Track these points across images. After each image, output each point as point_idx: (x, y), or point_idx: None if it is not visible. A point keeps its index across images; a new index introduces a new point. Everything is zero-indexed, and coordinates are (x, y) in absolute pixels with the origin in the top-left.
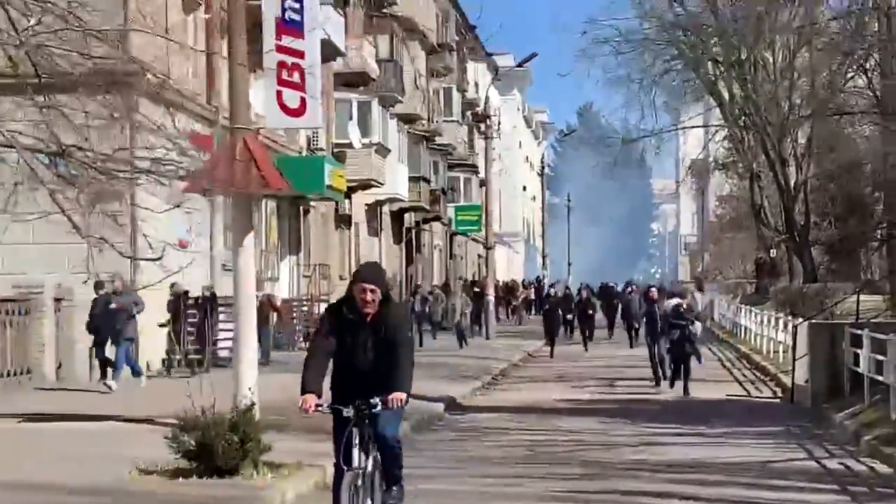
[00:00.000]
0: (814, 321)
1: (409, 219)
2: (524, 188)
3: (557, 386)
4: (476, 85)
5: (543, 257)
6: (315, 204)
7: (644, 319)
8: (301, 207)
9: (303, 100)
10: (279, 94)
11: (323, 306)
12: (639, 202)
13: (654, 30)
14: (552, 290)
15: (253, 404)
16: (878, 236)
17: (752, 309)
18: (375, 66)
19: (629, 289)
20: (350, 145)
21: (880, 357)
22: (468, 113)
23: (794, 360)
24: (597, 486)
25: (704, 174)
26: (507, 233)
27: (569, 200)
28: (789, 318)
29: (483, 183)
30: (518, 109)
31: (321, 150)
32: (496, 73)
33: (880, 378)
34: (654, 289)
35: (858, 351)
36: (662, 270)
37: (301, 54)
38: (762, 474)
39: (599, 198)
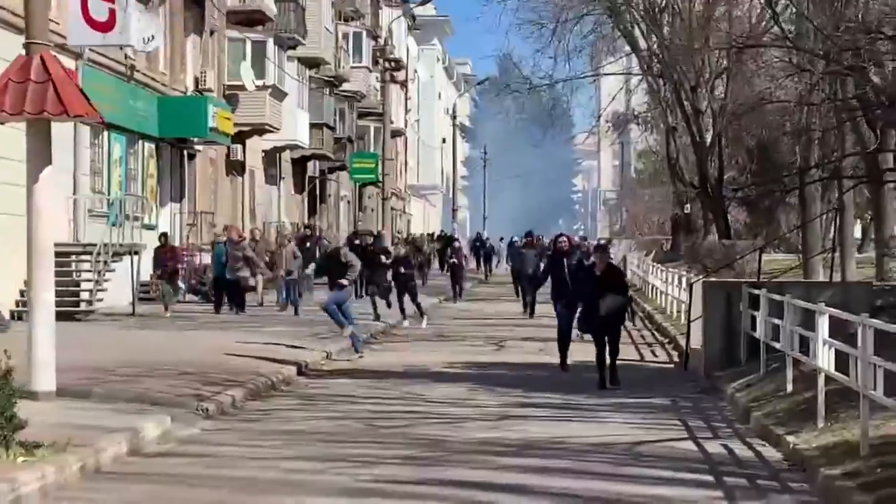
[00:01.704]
0: (708, 279)
1: (312, 168)
2: (444, 140)
3: (437, 346)
4: (390, 32)
5: (454, 211)
6: (201, 148)
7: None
8: (184, 151)
9: (112, 12)
10: (84, 4)
11: (206, 257)
12: (561, 157)
13: None
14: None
15: (9, 370)
16: (787, 186)
17: (658, 266)
18: (273, 5)
19: (519, 240)
20: (243, 87)
21: (777, 321)
22: (381, 60)
23: (688, 322)
24: (419, 473)
25: (623, 127)
26: (424, 185)
27: (485, 153)
28: (691, 275)
29: (396, 133)
30: (438, 60)
31: (209, 91)
32: (413, 21)
33: (777, 345)
34: (564, 238)
35: (756, 313)
36: (586, 226)
37: None
38: (626, 459)
39: (520, 152)
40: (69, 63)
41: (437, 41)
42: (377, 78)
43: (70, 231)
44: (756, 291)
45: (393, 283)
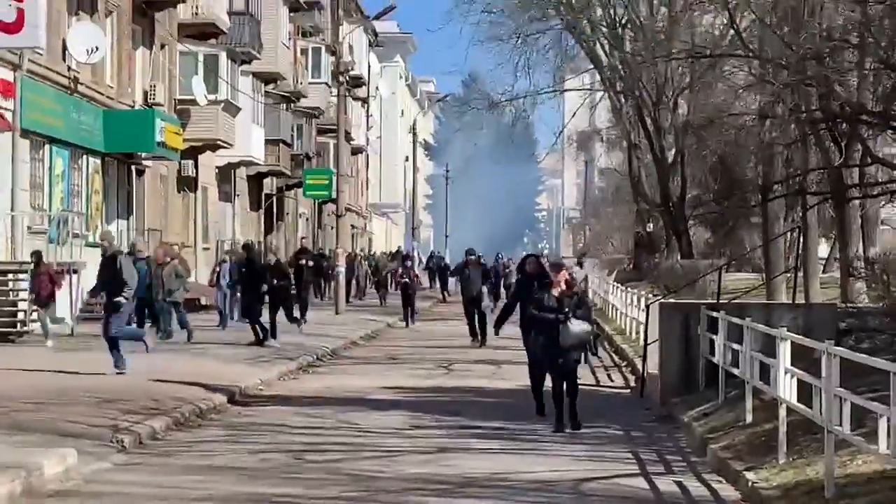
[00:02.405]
0: (666, 301)
1: (269, 184)
2: (406, 158)
3: (386, 369)
4: (351, 48)
5: (413, 229)
6: (150, 164)
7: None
8: (132, 167)
9: (20, 12)
10: None
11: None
12: (525, 175)
13: None
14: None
15: None
16: (749, 204)
17: (618, 286)
18: (226, 18)
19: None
20: (194, 102)
21: (736, 346)
22: (341, 76)
23: (644, 345)
24: None
25: (587, 145)
26: (386, 204)
27: (447, 171)
28: (649, 296)
29: (357, 150)
30: (400, 77)
31: (159, 105)
32: (375, 37)
33: (736, 371)
34: (533, 259)
35: (715, 337)
36: (551, 245)
37: None
38: (568, 499)
39: (484, 170)
40: (6, 74)
41: (400, 58)
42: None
43: (7, 248)
44: (714, 314)
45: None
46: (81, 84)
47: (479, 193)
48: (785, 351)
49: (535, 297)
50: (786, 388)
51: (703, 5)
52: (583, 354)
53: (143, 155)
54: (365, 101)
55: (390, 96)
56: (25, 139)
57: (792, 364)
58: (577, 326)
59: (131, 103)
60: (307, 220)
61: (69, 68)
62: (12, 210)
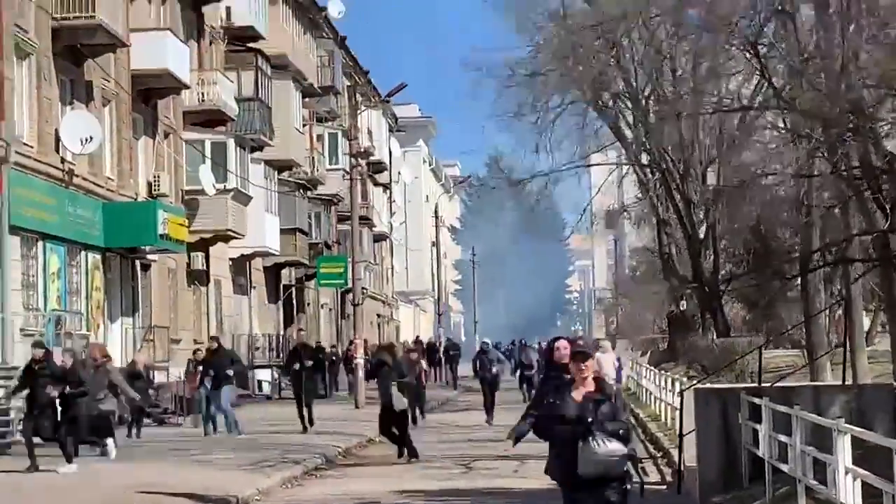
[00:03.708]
0: (702, 385)
1: (287, 275)
2: (433, 244)
3: (402, 470)
4: (370, 133)
5: (439, 316)
6: (156, 258)
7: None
8: (136, 261)
9: None
10: None
11: (162, 375)
12: (554, 257)
13: (547, 61)
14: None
15: None
16: (787, 276)
17: (651, 368)
18: (234, 104)
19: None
20: (202, 191)
21: (783, 437)
22: (362, 163)
23: (680, 435)
24: None
25: (615, 223)
26: (413, 291)
27: (473, 255)
28: (684, 379)
29: (380, 237)
30: (423, 161)
31: (164, 196)
32: (395, 122)
33: (785, 467)
34: (563, 343)
35: (757, 426)
36: (584, 327)
37: None
38: None
39: (511, 253)
40: None
41: (423, 142)
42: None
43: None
44: (757, 400)
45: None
46: (77, 176)
47: (507, 277)
48: (844, 446)
49: (548, 402)
50: (847, 492)
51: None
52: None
53: (148, 249)
54: (387, 186)
55: (413, 181)
56: (15, 236)
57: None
58: (606, 447)
59: (134, 195)
60: (329, 310)
61: (63, 160)
62: (2, 311)
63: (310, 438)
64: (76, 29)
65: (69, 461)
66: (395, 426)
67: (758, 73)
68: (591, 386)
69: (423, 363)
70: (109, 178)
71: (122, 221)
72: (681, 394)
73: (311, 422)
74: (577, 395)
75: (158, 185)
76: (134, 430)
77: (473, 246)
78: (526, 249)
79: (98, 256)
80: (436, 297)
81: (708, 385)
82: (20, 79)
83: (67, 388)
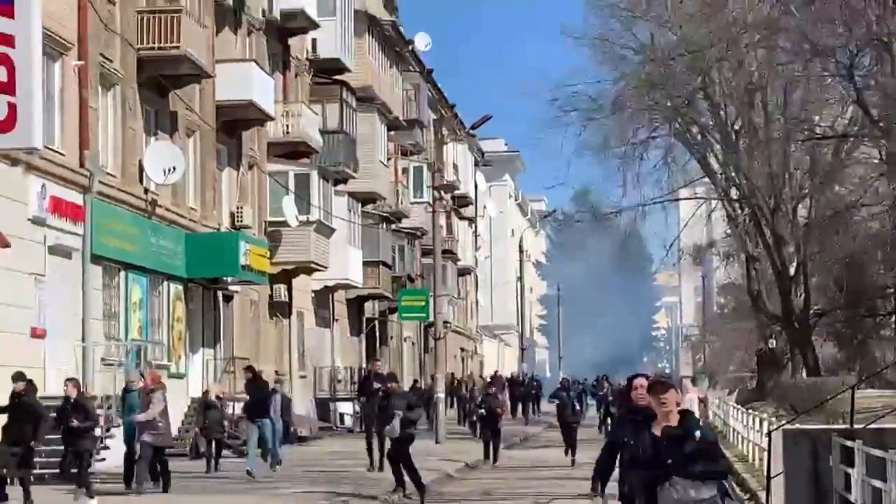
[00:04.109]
0: (790, 427)
1: (370, 308)
2: (518, 278)
3: None
4: (456, 167)
5: (522, 350)
6: (238, 289)
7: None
8: (218, 292)
9: (11, 107)
10: None
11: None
12: (640, 293)
13: (633, 94)
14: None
15: None
16: (884, 312)
17: (739, 408)
18: (319, 136)
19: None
20: (285, 223)
21: (878, 483)
22: (447, 196)
23: (767, 479)
24: None
25: (702, 258)
26: (498, 325)
27: (559, 290)
28: (773, 419)
29: (464, 271)
30: (510, 196)
31: (247, 227)
32: (482, 156)
33: None
34: (641, 381)
35: (850, 470)
36: (671, 365)
37: (9, 40)
38: None
39: (598, 289)
40: (75, 197)
41: (509, 177)
42: (443, 213)
43: (81, 381)
44: (849, 443)
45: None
46: (160, 206)
47: (593, 313)
48: None
49: (627, 442)
50: None
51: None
52: None
53: (230, 280)
54: (472, 220)
55: (499, 215)
56: (97, 265)
57: None
58: (688, 494)
59: (216, 226)
60: (412, 344)
61: (147, 190)
62: (83, 341)
63: (385, 473)
64: (161, 60)
65: (90, 496)
66: (395, 457)
67: (853, 101)
68: (673, 420)
69: (501, 398)
70: (192, 209)
71: (204, 252)
72: (769, 434)
73: (381, 459)
74: (656, 430)
75: (241, 217)
76: (213, 463)
77: (559, 281)
78: (612, 285)
79: (180, 287)
80: (520, 332)
81: (797, 426)
82: (105, 109)
83: (74, 421)
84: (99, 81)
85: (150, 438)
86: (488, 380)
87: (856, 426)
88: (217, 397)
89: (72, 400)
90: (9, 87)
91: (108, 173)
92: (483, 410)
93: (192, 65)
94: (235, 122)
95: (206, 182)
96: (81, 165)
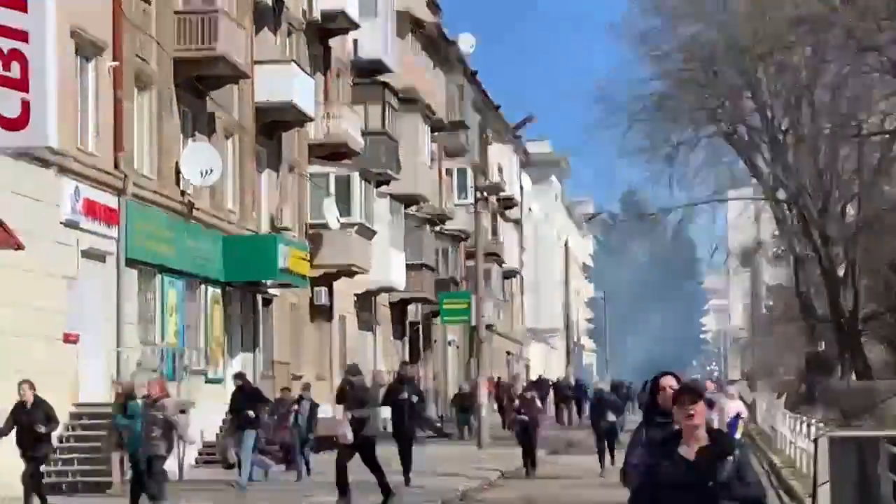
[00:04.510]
0: (836, 433)
1: (414, 312)
2: (566, 282)
3: None
4: (500, 169)
5: (567, 353)
6: (278, 292)
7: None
8: (258, 296)
9: (25, 104)
10: None
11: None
12: (689, 296)
13: (678, 94)
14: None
15: None
16: None
17: (787, 412)
18: (360, 138)
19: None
20: (326, 226)
21: None
22: (492, 198)
23: (814, 488)
24: None
25: (751, 260)
26: (545, 328)
27: (604, 294)
28: (820, 425)
29: (510, 273)
30: (556, 198)
31: (287, 230)
32: (527, 158)
33: None
34: (671, 380)
35: None
36: (720, 368)
37: (23, 35)
38: None
39: (646, 291)
40: (110, 200)
41: (556, 179)
42: (488, 215)
43: (112, 389)
44: None
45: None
46: (198, 209)
47: (641, 315)
48: None
49: (649, 465)
50: None
51: (875, 84)
52: None
53: (269, 283)
54: (518, 222)
55: (545, 218)
56: (132, 268)
57: None
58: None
59: (255, 228)
60: (457, 347)
61: (183, 193)
62: (118, 345)
63: (424, 480)
64: (197, 60)
65: None
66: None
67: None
68: (703, 439)
69: (539, 404)
70: (231, 212)
71: (242, 255)
72: (815, 441)
73: (406, 473)
74: (689, 451)
75: (281, 219)
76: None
77: (606, 284)
78: (660, 287)
79: (218, 290)
80: (566, 336)
81: (845, 432)
82: (140, 110)
83: (41, 427)
84: (134, 83)
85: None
86: (524, 384)
87: None
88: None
89: (28, 404)
90: (22, 84)
91: (143, 175)
92: (523, 415)
93: (230, 66)
94: (275, 123)
95: (244, 184)
96: (116, 167)
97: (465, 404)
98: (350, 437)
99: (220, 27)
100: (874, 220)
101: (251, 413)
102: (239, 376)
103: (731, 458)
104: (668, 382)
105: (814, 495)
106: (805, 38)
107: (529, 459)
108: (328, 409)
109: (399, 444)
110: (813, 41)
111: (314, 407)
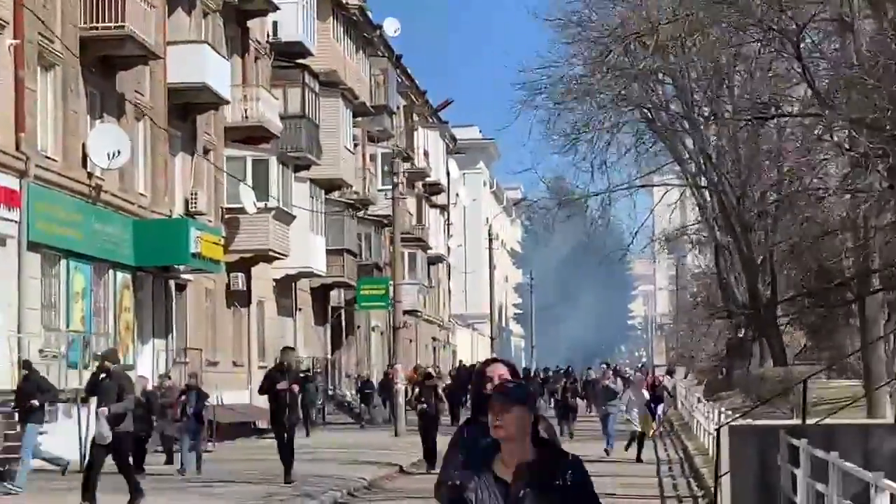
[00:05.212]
0: (737, 423)
1: (336, 297)
2: (494, 267)
3: None
4: (426, 154)
5: (492, 340)
6: (192, 277)
7: None
8: (170, 281)
9: None
10: None
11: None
12: (615, 281)
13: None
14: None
15: None
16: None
17: (701, 399)
18: (279, 121)
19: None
20: (243, 210)
21: (821, 486)
22: (417, 183)
23: (715, 479)
24: None
25: (676, 247)
26: (472, 314)
27: (531, 279)
28: (729, 413)
29: (436, 259)
30: (484, 184)
31: (202, 214)
32: (454, 143)
33: None
34: (499, 367)
35: (796, 471)
36: (647, 353)
37: None
38: None
39: (572, 277)
40: (11, 182)
41: (484, 165)
42: (414, 201)
43: (14, 375)
44: (795, 441)
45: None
46: (106, 192)
47: (569, 301)
48: (882, 502)
49: (454, 482)
50: None
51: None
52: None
53: (182, 268)
54: (444, 208)
55: (472, 203)
56: (35, 252)
57: None
58: None
59: (168, 213)
60: (381, 333)
61: (91, 175)
62: (20, 332)
63: (332, 468)
64: (105, 39)
65: None
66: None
67: (800, 74)
68: (525, 453)
69: (441, 392)
70: (142, 195)
71: (152, 240)
72: (717, 431)
73: (287, 472)
74: (505, 471)
75: (196, 203)
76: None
77: (531, 270)
78: (586, 274)
79: (128, 275)
80: (490, 321)
81: (747, 422)
82: (44, 90)
83: None
84: (38, 61)
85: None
86: (426, 371)
87: (809, 421)
88: (152, 390)
89: None
90: None
91: (47, 157)
92: (424, 405)
93: (139, 45)
94: (189, 105)
95: (156, 167)
96: (17, 149)
97: (365, 390)
98: (108, 435)
99: (127, 5)
100: (792, 206)
101: (35, 402)
102: (25, 365)
103: (558, 482)
104: (497, 371)
105: (715, 487)
106: (721, 19)
107: (430, 452)
108: (244, 396)
109: (277, 437)
110: (730, 22)
111: (202, 397)
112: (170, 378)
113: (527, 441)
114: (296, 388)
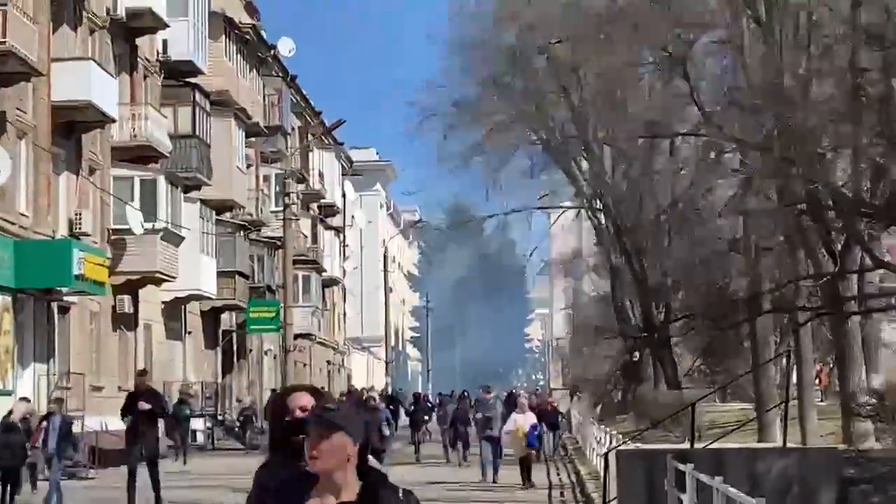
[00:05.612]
0: (624, 448)
1: (227, 320)
2: (390, 290)
3: None
4: (321, 175)
5: (387, 364)
6: (75, 300)
7: None
8: (52, 304)
9: None
10: None
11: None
12: (514, 305)
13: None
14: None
15: None
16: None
17: (594, 423)
18: (167, 140)
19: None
20: (130, 231)
21: None
22: (312, 205)
23: (604, 501)
24: None
25: (575, 270)
26: (368, 337)
27: (427, 302)
28: (620, 437)
29: (331, 282)
30: (381, 206)
31: (86, 235)
32: (350, 165)
33: None
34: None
35: (683, 496)
36: (544, 377)
37: None
38: None
39: (471, 301)
40: None
41: (381, 186)
42: (308, 222)
43: None
44: (682, 466)
45: None
46: None
47: (466, 324)
48: None
49: None
50: None
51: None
52: None
53: (65, 290)
54: (339, 230)
55: (368, 225)
56: None
57: None
58: None
59: (51, 233)
60: (274, 356)
61: None
62: None
63: (202, 494)
64: None
65: None
66: None
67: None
68: (347, 488)
69: None
70: (23, 215)
71: (34, 261)
72: (605, 456)
73: (157, 498)
74: None
75: (80, 224)
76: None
77: (427, 292)
78: (483, 296)
79: (8, 298)
80: (385, 344)
81: (631, 446)
82: None
83: None
84: None
85: None
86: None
87: (697, 445)
88: (24, 418)
89: None
90: None
91: None
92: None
93: (21, 62)
94: (73, 123)
95: (39, 186)
96: None
97: (246, 414)
98: None
99: (9, 20)
100: (685, 229)
101: None
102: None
103: None
104: (299, 402)
105: None
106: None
107: None
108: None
109: (129, 468)
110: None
111: (67, 423)
112: (28, 401)
113: (349, 474)
114: (146, 405)
